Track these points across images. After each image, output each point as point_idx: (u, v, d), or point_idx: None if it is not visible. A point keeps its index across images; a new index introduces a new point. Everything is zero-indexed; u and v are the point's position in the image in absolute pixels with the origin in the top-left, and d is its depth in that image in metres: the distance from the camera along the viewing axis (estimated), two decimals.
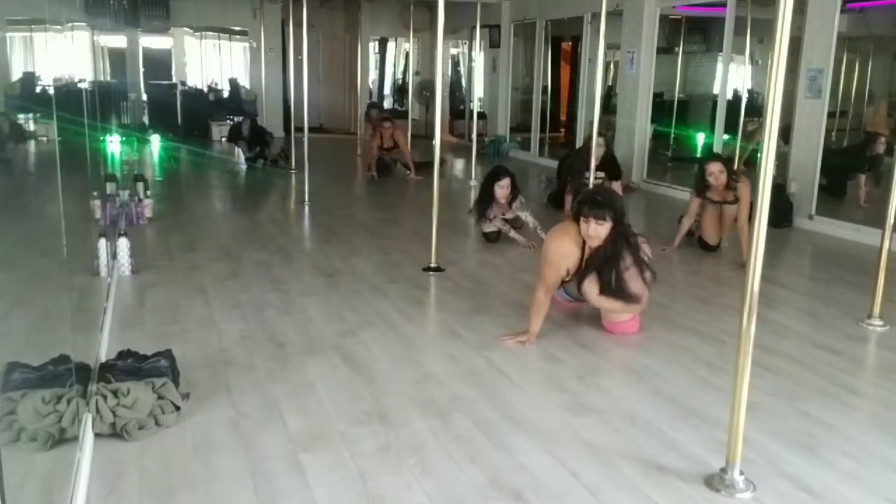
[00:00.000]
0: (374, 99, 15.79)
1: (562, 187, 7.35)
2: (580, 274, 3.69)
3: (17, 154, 3.16)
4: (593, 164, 5.84)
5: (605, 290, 3.64)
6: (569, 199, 6.81)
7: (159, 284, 4.58)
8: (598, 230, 3.52)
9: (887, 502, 2.43)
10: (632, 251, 3.66)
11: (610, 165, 7.31)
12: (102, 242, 4.43)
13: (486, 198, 5.74)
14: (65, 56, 4.16)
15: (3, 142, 3.00)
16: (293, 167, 9.47)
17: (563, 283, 3.80)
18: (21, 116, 3.25)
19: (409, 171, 9.42)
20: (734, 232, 5.50)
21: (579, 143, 10.51)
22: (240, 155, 10.26)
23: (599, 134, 6.96)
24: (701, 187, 5.50)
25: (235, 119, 10.54)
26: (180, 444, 2.64)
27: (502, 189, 5.67)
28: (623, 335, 3.83)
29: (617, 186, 7.03)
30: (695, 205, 5.62)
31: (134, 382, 2.73)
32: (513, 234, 5.75)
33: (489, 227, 5.81)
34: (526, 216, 5.79)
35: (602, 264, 3.61)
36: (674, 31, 11.40)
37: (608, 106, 11.40)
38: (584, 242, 3.64)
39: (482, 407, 2.98)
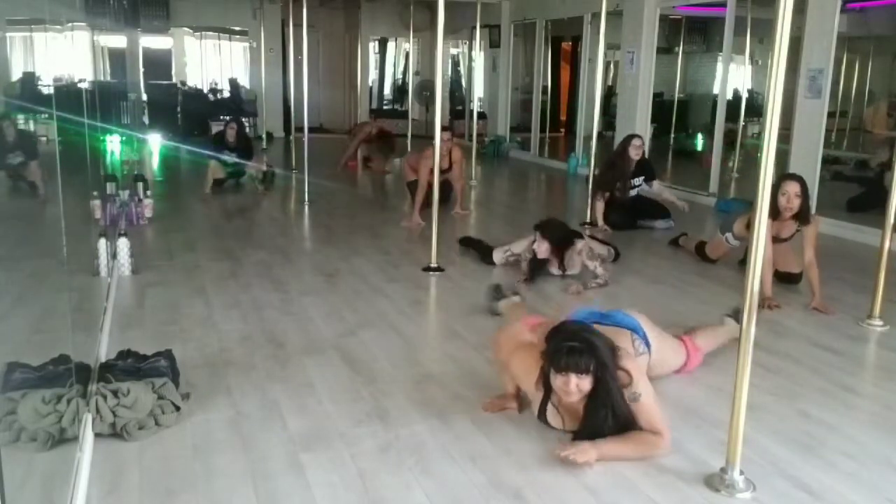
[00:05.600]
0: (374, 99, 15.78)
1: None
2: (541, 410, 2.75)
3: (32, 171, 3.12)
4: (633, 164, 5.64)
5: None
6: (599, 207, 6.51)
7: (159, 284, 4.58)
8: (580, 385, 2.50)
9: (887, 502, 2.43)
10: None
11: (646, 167, 6.70)
12: (102, 242, 4.44)
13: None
14: (65, 56, 4.16)
15: (11, 150, 2.98)
16: (269, 189, 8.20)
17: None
18: (22, 117, 3.25)
19: (455, 203, 7.14)
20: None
21: (580, 143, 10.55)
22: (213, 173, 7.86)
23: (636, 136, 6.65)
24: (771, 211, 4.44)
25: (223, 120, 8.30)
26: (180, 444, 2.64)
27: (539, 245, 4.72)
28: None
29: (657, 185, 6.69)
30: (740, 227, 4.79)
31: (134, 382, 2.73)
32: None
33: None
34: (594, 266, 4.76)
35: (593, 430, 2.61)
36: (674, 31, 11.42)
37: (608, 106, 11.42)
38: None
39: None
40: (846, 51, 8.36)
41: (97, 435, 2.64)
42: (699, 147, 11.08)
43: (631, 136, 6.64)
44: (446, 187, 6.90)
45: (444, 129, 6.88)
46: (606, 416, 2.55)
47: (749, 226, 4.77)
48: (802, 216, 4.49)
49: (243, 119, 13.31)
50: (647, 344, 3.06)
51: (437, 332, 4.12)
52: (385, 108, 15.74)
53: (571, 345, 2.49)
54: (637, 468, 2.56)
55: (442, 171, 6.53)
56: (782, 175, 4.62)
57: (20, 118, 3.19)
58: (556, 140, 12.91)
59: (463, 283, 4.83)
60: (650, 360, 3.05)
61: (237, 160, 7.97)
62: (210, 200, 7.48)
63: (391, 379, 3.26)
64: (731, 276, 5.01)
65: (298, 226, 6.98)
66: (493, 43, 12.68)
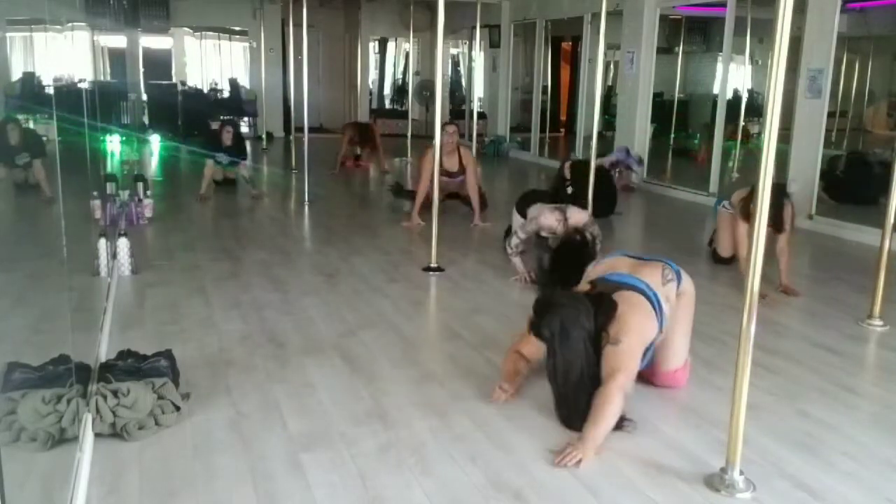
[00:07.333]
0: (374, 99, 15.77)
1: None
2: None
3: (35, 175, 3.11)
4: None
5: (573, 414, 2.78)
6: None
7: (159, 284, 4.58)
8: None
9: (887, 502, 2.43)
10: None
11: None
12: (102, 242, 4.44)
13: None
14: (65, 56, 4.16)
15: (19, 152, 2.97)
16: (261, 193, 7.91)
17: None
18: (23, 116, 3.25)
19: (472, 214, 6.57)
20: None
21: (580, 143, 10.55)
22: (211, 175, 7.71)
23: (567, 159, 7.44)
24: (746, 213, 4.55)
25: (221, 122, 7.93)
26: (180, 444, 2.64)
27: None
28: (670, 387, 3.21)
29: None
30: (728, 224, 5.10)
31: (134, 382, 2.73)
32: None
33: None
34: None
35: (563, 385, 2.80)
36: (674, 31, 11.41)
37: (608, 106, 11.42)
38: None
39: (482, 407, 2.98)
40: (846, 51, 8.36)
41: (97, 435, 2.64)
42: (699, 147, 11.09)
43: (565, 160, 7.60)
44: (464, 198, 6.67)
45: (449, 122, 6.81)
46: (559, 378, 2.77)
47: (742, 199, 4.93)
48: (776, 224, 4.37)
49: (243, 119, 13.22)
50: (678, 274, 3.15)
51: (437, 332, 4.12)
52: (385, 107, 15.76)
53: (534, 309, 2.83)
54: (637, 468, 2.56)
55: (452, 175, 6.50)
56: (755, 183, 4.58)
57: (21, 118, 3.20)
58: (556, 140, 12.91)
59: (463, 283, 4.83)
60: (680, 287, 3.12)
61: (232, 159, 7.86)
62: (209, 201, 7.47)
63: (391, 379, 3.26)
64: (730, 276, 5.01)
65: (298, 226, 6.97)
66: (493, 43, 12.68)
